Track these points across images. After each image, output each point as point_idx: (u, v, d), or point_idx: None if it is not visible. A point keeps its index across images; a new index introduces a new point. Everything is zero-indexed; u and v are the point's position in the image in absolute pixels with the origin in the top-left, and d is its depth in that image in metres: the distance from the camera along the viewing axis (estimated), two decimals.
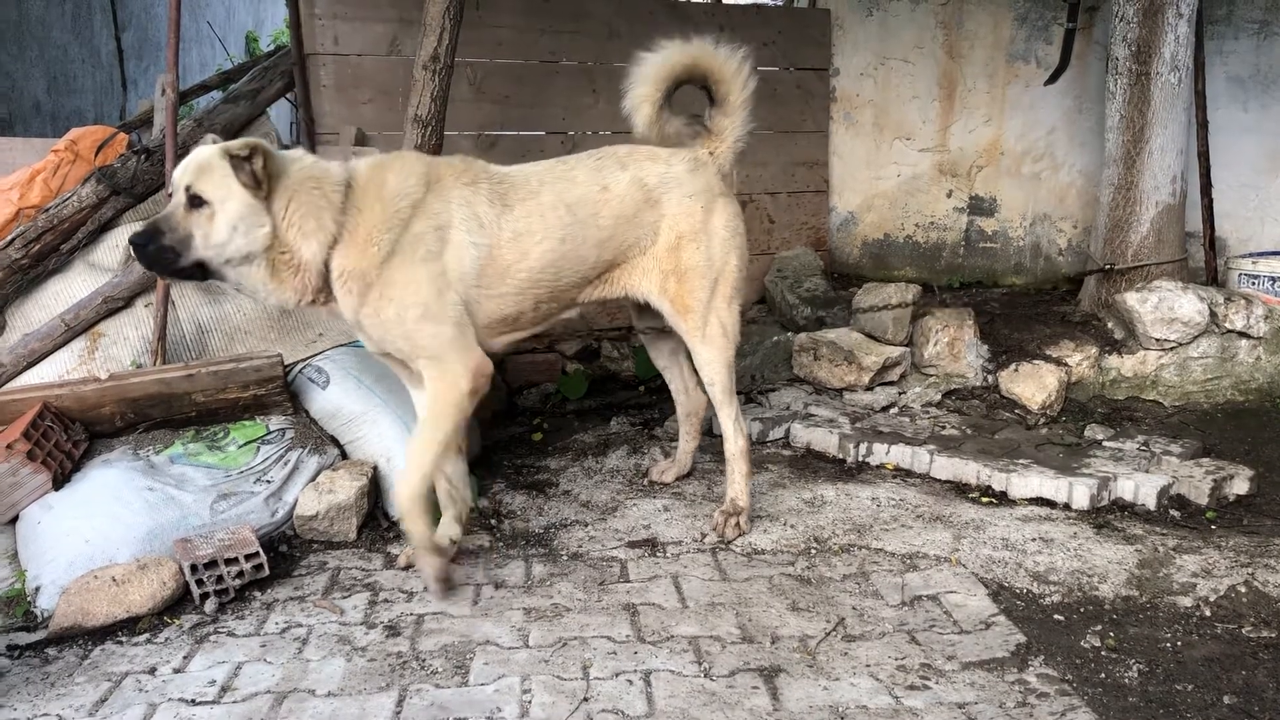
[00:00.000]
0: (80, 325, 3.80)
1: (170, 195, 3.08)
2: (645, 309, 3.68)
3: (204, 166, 2.92)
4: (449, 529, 3.43)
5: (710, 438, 4.38)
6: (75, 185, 4.07)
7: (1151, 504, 3.77)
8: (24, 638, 2.90)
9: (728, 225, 3.54)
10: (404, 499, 3.08)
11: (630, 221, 3.44)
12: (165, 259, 2.91)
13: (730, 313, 3.57)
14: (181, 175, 2.95)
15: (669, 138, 3.61)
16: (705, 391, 3.76)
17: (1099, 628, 2.94)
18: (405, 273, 3.08)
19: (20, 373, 3.70)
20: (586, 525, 3.64)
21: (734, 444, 3.63)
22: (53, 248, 3.96)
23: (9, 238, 3.89)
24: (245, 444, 3.54)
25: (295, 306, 3.12)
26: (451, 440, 3.21)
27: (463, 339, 3.17)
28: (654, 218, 3.46)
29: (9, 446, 3.17)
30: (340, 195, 3.05)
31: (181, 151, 3.97)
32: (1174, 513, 3.74)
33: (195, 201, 2.91)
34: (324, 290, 3.09)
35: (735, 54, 3.57)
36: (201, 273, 2.98)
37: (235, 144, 2.93)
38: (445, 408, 3.13)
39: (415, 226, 3.12)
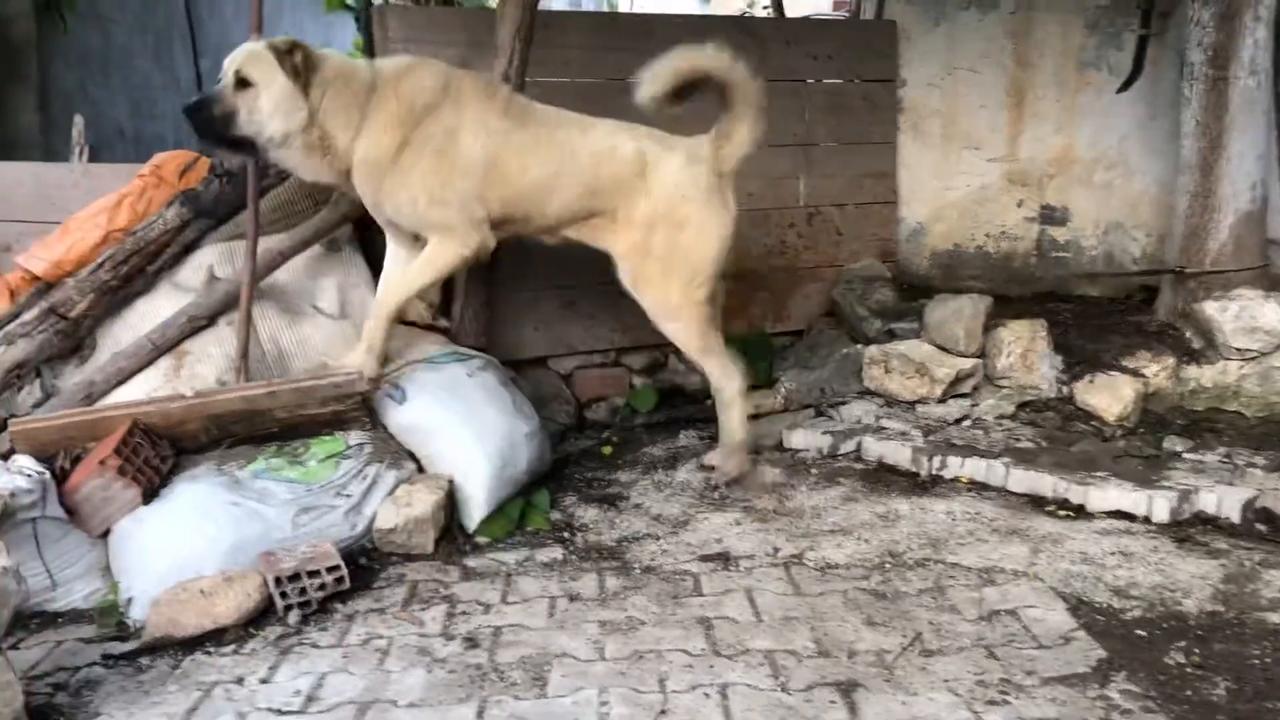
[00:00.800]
0: (166, 344, 3.91)
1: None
2: None
3: (252, 55, 3.42)
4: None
5: (779, 451, 4.38)
6: (160, 208, 4.19)
7: (1235, 517, 3.69)
8: (118, 647, 2.99)
9: (701, 218, 3.83)
10: (381, 313, 3.77)
11: (620, 183, 3.83)
12: (213, 128, 3.44)
13: (688, 296, 3.87)
14: (230, 62, 3.44)
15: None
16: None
17: (1183, 644, 2.89)
18: (415, 164, 3.60)
19: (110, 391, 3.81)
20: (658, 538, 3.66)
21: (727, 389, 4.02)
22: (139, 269, 4.08)
23: (98, 260, 4.01)
24: (325, 459, 3.62)
25: (323, 183, 3.70)
26: (433, 286, 3.98)
27: (470, 218, 3.71)
28: (640, 188, 3.83)
29: (101, 463, 3.28)
30: (365, 92, 3.57)
31: (263, 174, 4.08)
32: (1259, 526, 3.66)
33: (242, 83, 3.41)
34: (348, 173, 3.62)
35: (741, 63, 3.81)
36: (248, 148, 3.52)
37: (280, 40, 3.46)
38: (442, 261, 3.72)
39: (427, 127, 3.61)
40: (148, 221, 4.14)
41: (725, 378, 4.02)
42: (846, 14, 8.98)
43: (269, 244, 4.10)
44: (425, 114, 3.62)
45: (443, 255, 3.74)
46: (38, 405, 3.86)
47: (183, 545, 3.22)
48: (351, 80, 3.56)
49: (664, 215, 3.83)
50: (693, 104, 3.89)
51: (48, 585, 3.20)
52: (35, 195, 4.56)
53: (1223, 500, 3.72)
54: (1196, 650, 2.85)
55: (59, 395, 3.84)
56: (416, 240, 3.86)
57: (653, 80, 3.73)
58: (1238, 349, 4.66)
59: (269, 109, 3.43)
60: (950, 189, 6.03)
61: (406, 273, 3.83)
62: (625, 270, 3.95)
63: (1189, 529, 3.63)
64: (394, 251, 3.99)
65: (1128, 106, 5.76)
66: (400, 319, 4.03)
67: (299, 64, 3.43)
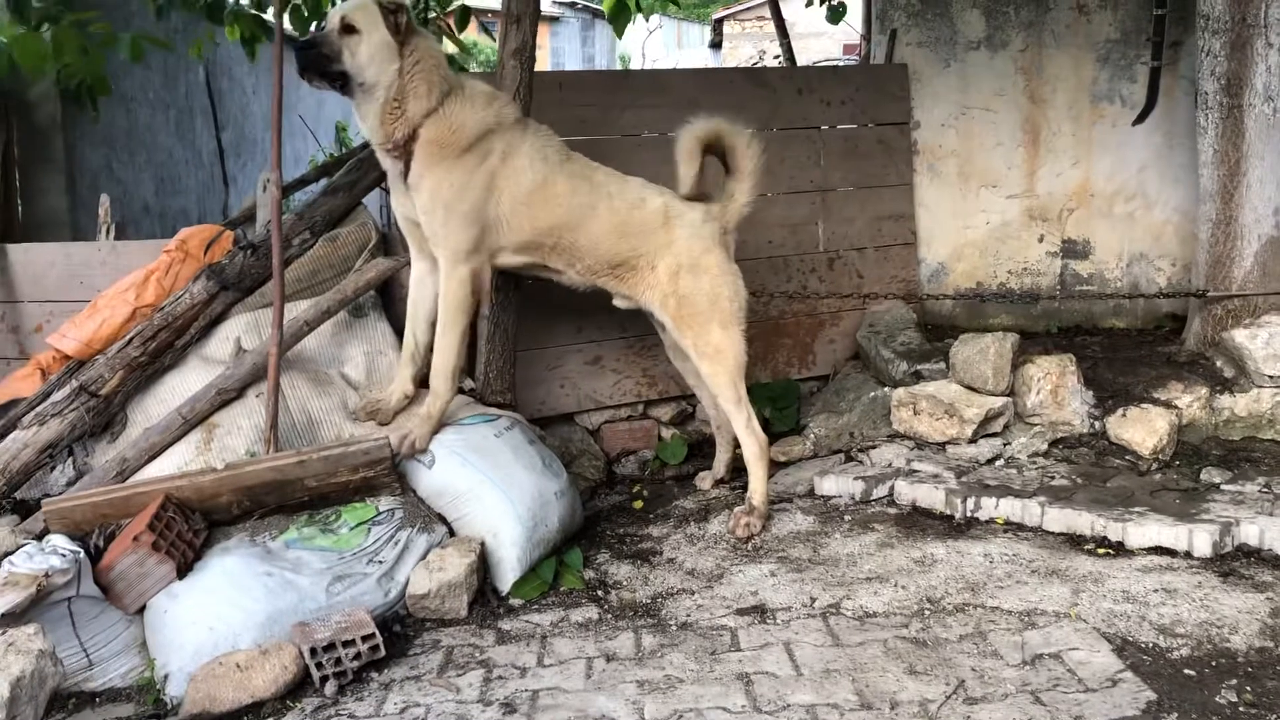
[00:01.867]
0: (196, 418, 3.94)
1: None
2: (667, 334, 4.41)
3: (361, 5, 3.73)
4: None
5: (811, 498, 4.35)
6: (187, 283, 4.25)
7: (1279, 549, 3.62)
8: None
9: (718, 265, 4.16)
10: (441, 385, 3.96)
11: (648, 232, 4.11)
12: (319, 63, 3.73)
13: (726, 336, 4.15)
14: (338, 10, 3.79)
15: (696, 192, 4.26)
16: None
17: (1234, 682, 2.83)
18: (466, 173, 3.85)
19: (143, 466, 3.84)
20: (693, 593, 3.63)
21: (749, 449, 4.19)
22: (168, 344, 4.12)
23: (128, 336, 4.07)
24: (356, 525, 3.62)
25: (380, 145, 3.88)
26: (464, 333, 4.03)
27: (480, 249, 3.96)
28: (665, 240, 4.11)
29: (135, 538, 3.29)
30: (451, 83, 3.87)
31: (286, 245, 4.14)
32: None
33: (347, 29, 3.71)
34: (405, 148, 3.83)
35: (746, 130, 4.20)
36: (341, 83, 3.77)
37: None
38: (454, 305, 3.94)
39: (495, 142, 3.91)
40: (175, 296, 4.19)
41: (750, 432, 4.20)
42: (857, 59, 9.06)
43: (295, 313, 4.14)
44: (500, 131, 3.92)
45: (453, 292, 3.93)
46: (71, 484, 3.90)
47: (218, 619, 3.22)
48: (441, 65, 3.88)
49: (687, 265, 4.12)
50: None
51: (84, 665, 3.21)
52: (65, 274, 4.64)
53: (1265, 531, 3.66)
54: (1249, 688, 2.79)
55: (91, 473, 3.87)
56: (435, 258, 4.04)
57: (682, 157, 4.17)
58: (1270, 376, 4.60)
59: (367, 54, 3.71)
60: (970, 227, 6.03)
61: (439, 340, 3.99)
62: (666, 319, 4.19)
63: (1232, 562, 3.57)
64: (418, 275, 4.17)
65: (1144, 137, 5.76)
66: (416, 365, 4.18)
67: (401, 23, 3.74)
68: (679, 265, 4.12)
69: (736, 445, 4.40)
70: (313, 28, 6.22)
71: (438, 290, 4.05)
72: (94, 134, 7.17)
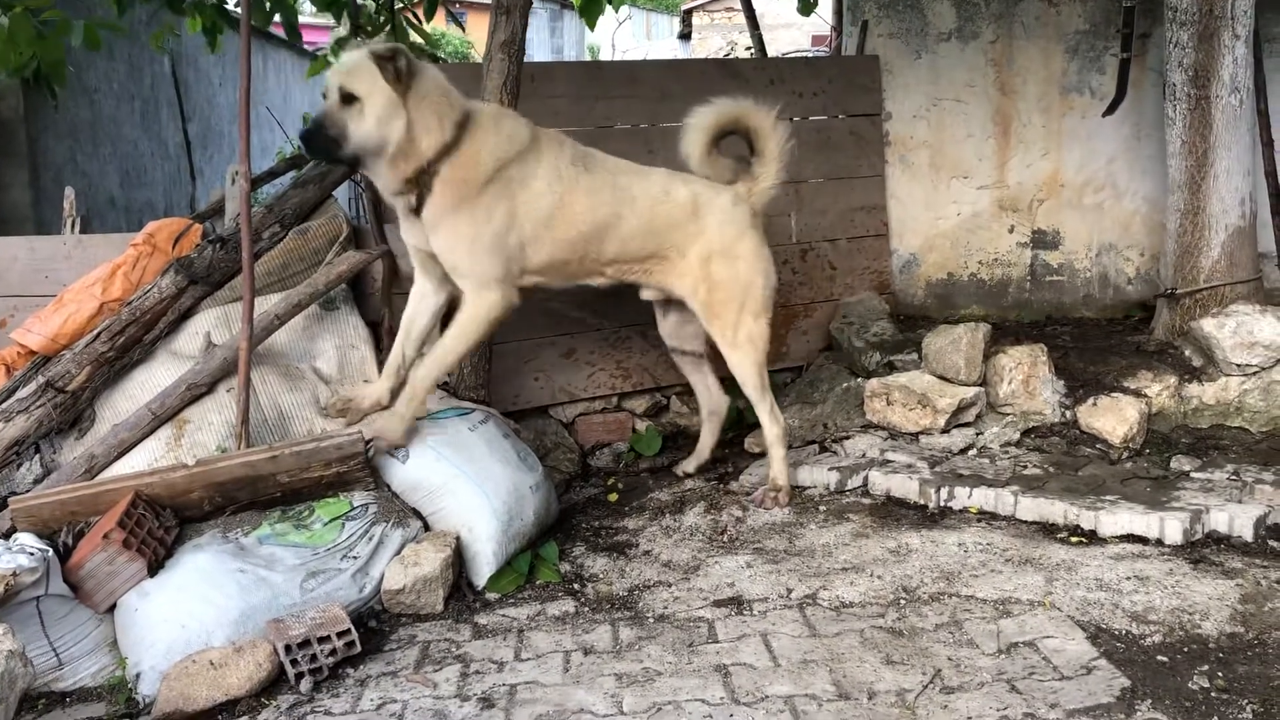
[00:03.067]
0: (166, 413, 3.89)
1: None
2: (669, 321, 4.52)
3: (356, 68, 3.47)
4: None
5: (797, 490, 4.35)
6: (155, 277, 4.20)
7: (1248, 535, 3.67)
8: None
9: (753, 250, 4.16)
10: (421, 388, 3.81)
11: (676, 225, 4.06)
12: (329, 148, 3.52)
13: (756, 325, 4.18)
14: (334, 77, 3.51)
15: (716, 175, 4.23)
16: (725, 393, 4.62)
17: (1206, 667, 2.86)
18: (490, 206, 3.69)
19: (112, 463, 3.79)
20: (670, 585, 3.63)
21: (771, 432, 4.27)
22: (136, 339, 4.07)
23: (95, 332, 4.01)
24: (330, 521, 3.59)
25: (393, 194, 3.68)
26: (470, 352, 4.02)
27: (507, 276, 3.81)
28: (695, 230, 4.07)
29: (105, 536, 3.24)
30: (460, 114, 3.65)
31: (256, 238, 4.09)
32: (1273, 543, 3.64)
33: (347, 99, 3.46)
34: (417, 186, 3.63)
35: (772, 112, 4.19)
36: (353, 162, 3.60)
37: (381, 46, 3.49)
38: (475, 325, 3.79)
39: (512, 170, 3.73)
40: (143, 290, 4.14)
41: (774, 418, 4.27)
42: (826, 50, 9.07)
43: (265, 307, 4.10)
44: (516, 158, 3.75)
45: (479, 314, 3.79)
46: (38, 481, 3.84)
47: (190, 616, 3.18)
48: (449, 96, 3.66)
49: (719, 251, 4.11)
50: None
51: (54, 664, 3.16)
52: (29, 269, 4.56)
53: (1235, 519, 3.70)
54: (1220, 674, 2.82)
55: (59, 470, 3.81)
56: (445, 280, 3.94)
57: (695, 130, 4.14)
58: (1238, 365, 4.65)
59: (373, 120, 3.48)
60: (941, 219, 6.05)
61: (444, 344, 3.85)
62: (696, 306, 4.18)
63: (1203, 549, 3.61)
64: (420, 291, 4.05)
65: (1114, 128, 5.80)
66: (399, 379, 4.03)
67: (401, 70, 3.47)
68: (710, 252, 4.09)
69: (721, 435, 4.57)
70: (276, 19, 6.15)
71: (437, 307, 3.99)
72: (57, 126, 7.07)
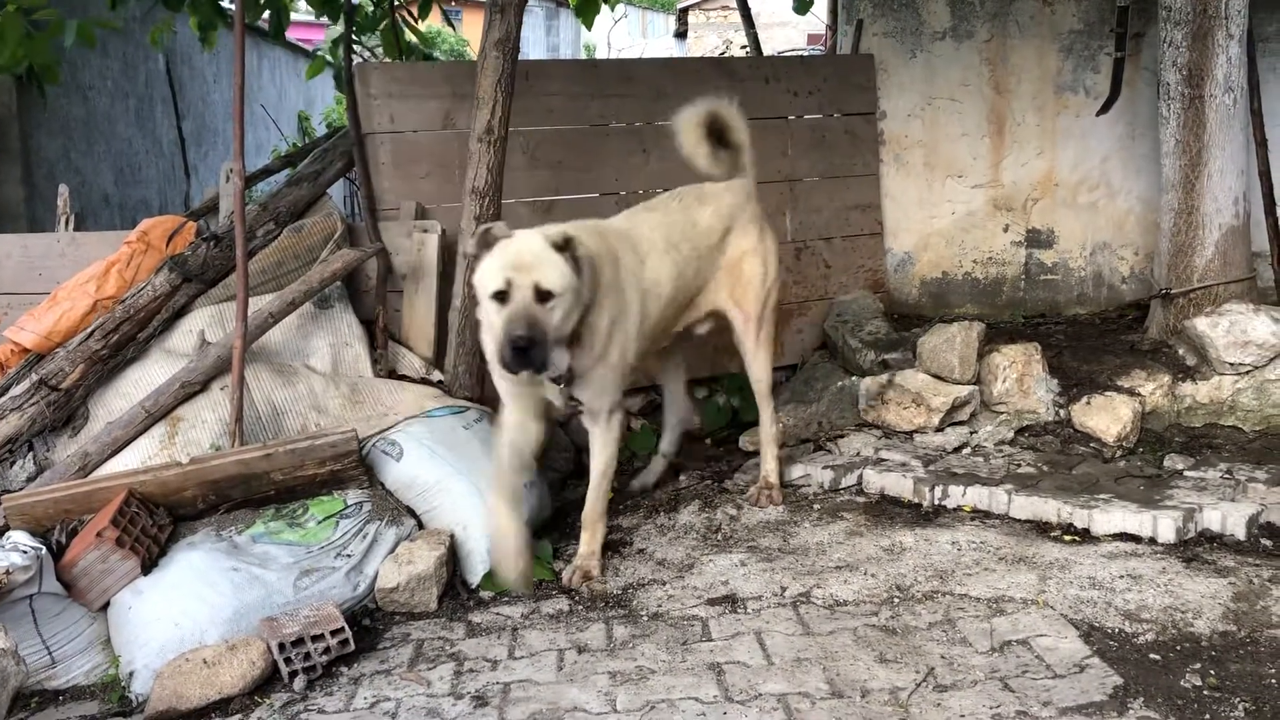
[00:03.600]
0: (159, 411, 3.89)
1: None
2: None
3: (547, 264, 3.16)
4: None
5: (781, 487, 4.35)
6: (149, 275, 4.20)
7: (1241, 534, 3.68)
8: None
9: (771, 242, 4.19)
10: (591, 519, 3.75)
11: (715, 246, 4.04)
12: (545, 363, 3.20)
13: (772, 321, 4.20)
14: (519, 272, 3.15)
15: (722, 171, 4.16)
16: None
17: (1198, 666, 2.86)
18: (618, 335, 3.53)
19: (105, 461, 3.79)
20: (664, 584, 3.63)
21: (770, 432, 4.29)
22: (130, 337, 4.07)
23: (89, 329, 4.01)
24: (324, 519, 3.59)
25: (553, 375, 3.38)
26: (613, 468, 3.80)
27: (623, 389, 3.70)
28: (720, 244, 4.06)
29: (99, 534, 3.24)
30: (594, 264, 3.36)
31: (250, 236, 4.08)
32: (1265, 542, 3.65)
33: (544, 296, 3.15)
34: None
35: (734, 103, 4.10)
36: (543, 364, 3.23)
37: (555, 234, 3.22)
38: (616, 447, 3.74)
39: (614, 294, 3.49)
40: (137, 288, 4.14)
41: (774, 420, 4.32)
42: (822, 49, 9.07)
43: (259, 305, 4.09)
44: (614, 276, 3.54)
45: (616, 436, 3.72)
46: (31, 479, 3.84)
47: (183, 614, 3.18)
48: (589, 250, 3.37)
49: (749, 249, 4.12)
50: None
51: (47, 663, 3.16)
52: (23, 266, 4.56)
53: (1227, 517, 3.71)
54: (1212, 672, 2.82)
55: (53, 468, 3.81)
56: (549, 409, 3.74)
57: (684, 132, 4.05)
58: (1231, 364, 4.66)
59: (563, 313, 3.23)
60: (936, 217, 6.06)
61: (595, 479, 3.75)
62: (735, 311, 4.12)
63: (1195, 548, 3.61)
64: (519, 422, 3.68)
65: (1108, 127, 5.81)
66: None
67: (578, 255, 3.25)
68: (741, 252, 4.10)
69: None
70: (265, 16, 6.10)
71: (541, 435, 3.77)
72: (51, 123, 7.05)
